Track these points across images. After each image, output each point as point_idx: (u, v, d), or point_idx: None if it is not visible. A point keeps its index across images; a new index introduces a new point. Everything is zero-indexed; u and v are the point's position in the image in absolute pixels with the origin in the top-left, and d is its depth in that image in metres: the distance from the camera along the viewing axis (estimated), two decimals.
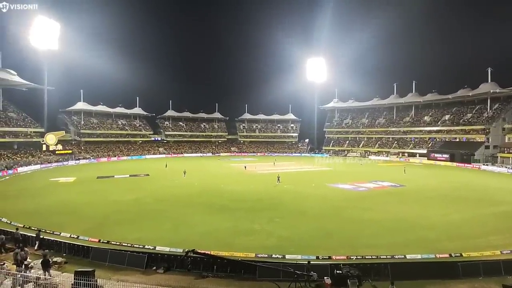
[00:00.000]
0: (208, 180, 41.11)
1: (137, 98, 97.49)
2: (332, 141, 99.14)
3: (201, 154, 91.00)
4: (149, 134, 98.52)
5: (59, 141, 70.03)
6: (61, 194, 31.13)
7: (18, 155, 58.25)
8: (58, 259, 14.59)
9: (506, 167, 53.43)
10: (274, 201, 28.31)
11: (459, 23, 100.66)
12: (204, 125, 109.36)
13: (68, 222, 21.00)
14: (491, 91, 66.92)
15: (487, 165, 57.91)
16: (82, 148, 78.46)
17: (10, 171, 47.89)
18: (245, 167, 54.10)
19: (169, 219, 22.13)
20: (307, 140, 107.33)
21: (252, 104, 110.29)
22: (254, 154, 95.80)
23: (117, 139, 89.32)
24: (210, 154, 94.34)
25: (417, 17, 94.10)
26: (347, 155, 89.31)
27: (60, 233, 18.07)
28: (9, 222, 20.28)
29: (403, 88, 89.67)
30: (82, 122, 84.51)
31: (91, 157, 73.00)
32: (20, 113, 68.78)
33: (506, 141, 62.69)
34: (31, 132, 67.31)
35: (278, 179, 38.66)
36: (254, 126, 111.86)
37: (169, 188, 35.08)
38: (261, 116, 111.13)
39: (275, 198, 29.41)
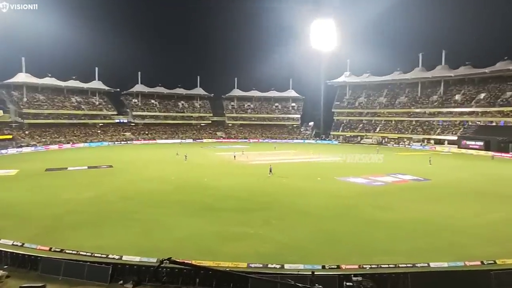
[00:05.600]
0: (188, 173, 40.99)
1: (96, 68, 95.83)
2: (342, 125, 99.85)
3: (180, 140, 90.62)
4: (112, 114, 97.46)
5: None
6: (0, 191, 30.69)
7: None
8: None
9: None
10: (271, 198, 28.50)
11: None
12: (183, 104, 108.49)
13: (10, 226, 20.79)
14: None
15: None
16: (26, 132, 77.18)
17: None
18: (235, 156, 54.59)
19: (138, 222, 22.09)
20: (311, 124, 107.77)
21: (244, 78, 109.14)
22: (246, 140, 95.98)
23: (71, 121, 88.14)
24: (191, 140, 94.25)
25: None
26: (361, 141, 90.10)
27: (0, 239, 17.87)
28: None
29: (430, 60, 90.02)
30: (25, 99, 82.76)
31: (38, 144, 71.91)
32: None
33: None
34: None
35: (270, 171, 39.19)
36: (246, 106, 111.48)
37: (137, 183, 34.93)
38: (254, 93, 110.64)
39: (272, 195, 29.59)
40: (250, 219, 22.70)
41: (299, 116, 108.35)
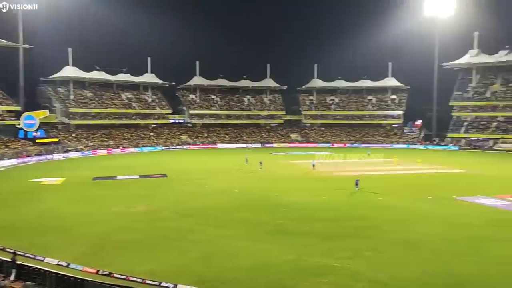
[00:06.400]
0: (254, 186, 42.01)
1: (148, 59, 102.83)
2: (466, 124, 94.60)
3: (246, 145, 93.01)
4: (166, 113, 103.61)
5: (41, 125, 77.31)
6: (45, 202, 34.56)
7: None
8: None
9: None
10: (363, 222, 27.86)
11: None
12: (249, 99, 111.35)
13: (55, 243, 23.17)
14: None
15: None
16: (73, 135, 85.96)
17: None
18: (313, 165, 54.46)
19: (196, 244, 23.06)
20: (419, 123, 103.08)
21: (326, 64, 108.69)
22: (328, 145, 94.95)
23: (121, 121, 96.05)
24: (258, 144, 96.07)
25: None
26: (494, 147, 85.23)
27: (44, 258, 19.96)
28: None
29: None
30: (72, 97, 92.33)
31: (85, 149, 79.44)
32: None
33: None
34: (2, 111, 75.58)
35: (357, 185, 39.19)
36: (329, 100, 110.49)
37: (195, 196, 36.75)
38: (340, 83, 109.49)
39: (364, 218, 28.96)
40: (335, 248, 22.29)
41: (401, 112, 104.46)
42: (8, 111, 76.47)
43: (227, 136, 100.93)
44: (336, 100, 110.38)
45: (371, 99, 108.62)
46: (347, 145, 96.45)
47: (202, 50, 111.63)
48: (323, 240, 23.75)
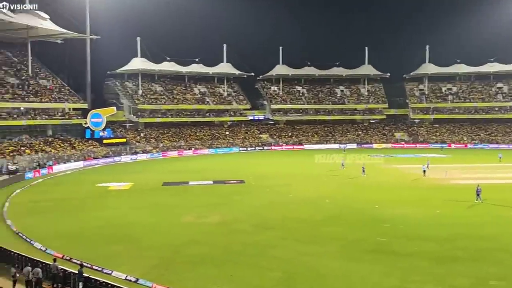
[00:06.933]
0: (350, 195, 41.82)
1: (224, 46, 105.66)
2: None
3: (341, 146, 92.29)
4: (244, 109, 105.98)
5: (107, 123, 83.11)
6: (113, 209, 37.41)
7: (53, 146, 72.52)
8: None
9: None
10: (487, 243, 26.69)
11: None
12: (342, 91, 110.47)
13: (122, 254, 24.94)
14: None
15: None
16: (141, 135, 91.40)
17: (43, 171, 60.09)
18: (424, 171, 53.56)
19: (279, 262, 23.44)
20: None
21: (441, 45, 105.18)
22: (443, 145, 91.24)
23: (193, 119, 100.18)
24: (354, 145, 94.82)
25: None
26: None
27: (112, 271, 21.59)
28: (43, 249, 25.45)
29: None
30: (140, 92, 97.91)
31: (154, 150, 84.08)
32: (54, 79, 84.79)
33: None
34: (69, 109, 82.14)
35: (478, 195, 37.96)
36: (445, 89, 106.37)
37: (278, 206, 37.35)
38: (459, 68, 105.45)
39: (489, 238, 27.72)
40: (450, 274, 21.58)
41: None
42: (75, 109, 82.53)
43: (315, 135, 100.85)
44: (454, 89, 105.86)
45: (501, 87, 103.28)
46: (469, 146, 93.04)
47: (286, 34, 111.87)
48: (435, 263, 23.11)
